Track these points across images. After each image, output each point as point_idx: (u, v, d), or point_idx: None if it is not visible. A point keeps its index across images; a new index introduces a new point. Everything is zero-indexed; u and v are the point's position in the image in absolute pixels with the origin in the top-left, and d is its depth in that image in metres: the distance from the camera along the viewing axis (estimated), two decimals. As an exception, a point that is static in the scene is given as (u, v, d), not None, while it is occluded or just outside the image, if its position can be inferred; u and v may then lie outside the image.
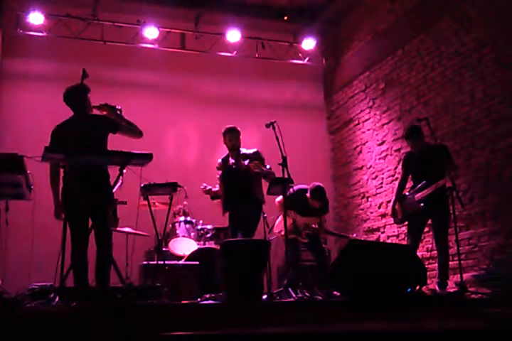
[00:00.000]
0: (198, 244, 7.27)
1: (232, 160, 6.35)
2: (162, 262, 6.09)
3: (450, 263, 6.58)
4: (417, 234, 6.22)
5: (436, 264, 6.15)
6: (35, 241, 6.04)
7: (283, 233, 5.78)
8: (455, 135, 7.46)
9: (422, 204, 6.09)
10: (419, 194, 6.12)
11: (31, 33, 8.98)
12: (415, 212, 6.16)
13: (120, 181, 5.12)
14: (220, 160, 6.48)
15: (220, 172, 6.42)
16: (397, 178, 7.65)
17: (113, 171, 5.11)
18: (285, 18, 9.99)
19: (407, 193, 6.37)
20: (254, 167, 6.07)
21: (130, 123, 5.32)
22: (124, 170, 5.03)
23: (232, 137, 6.34)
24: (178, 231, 7.41)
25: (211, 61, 9.71)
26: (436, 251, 6.10)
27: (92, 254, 5.06)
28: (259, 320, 3.93)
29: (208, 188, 6.40)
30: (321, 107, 10.74)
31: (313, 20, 10.29)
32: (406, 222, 6.48)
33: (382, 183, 8.96)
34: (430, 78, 8.05)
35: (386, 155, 8.92)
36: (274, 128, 5.79)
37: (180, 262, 6.82)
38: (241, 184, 6.20)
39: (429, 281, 5.78)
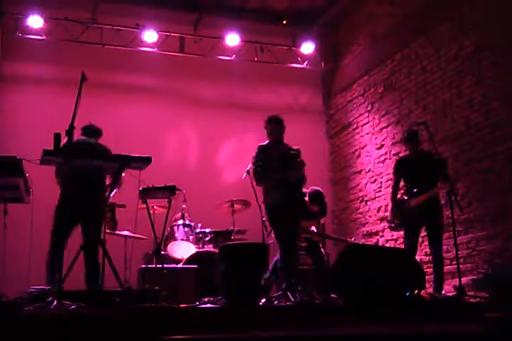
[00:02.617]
0: (196, 248, 7.26)
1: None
2: (161, 265, 6.08)
3: (449, 267, 6.60)
4: (413, 240, 6.26)
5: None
6: (33, 244, 6.03)
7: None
8: (454, 139, 7.46)
9: (417, 211, 6.14)
10: (415, 200, 6.15)
11: (30, 36, 8.99)
12: (412, 218, 6.18)
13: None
14: (261, 149, 5.91)
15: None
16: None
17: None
18: (284, 22, 10.01)
19: (403, 198, 6.40)
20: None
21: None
22: (123, 174, 5.06)
23: (277, 127, 5.99)
24: (176, 235, 7.40)
25: (210, 65, 9.72)
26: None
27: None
28: (257, 323, 3.92)
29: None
30: (319, 111, 10.74)
31: (312, 24, 10.33)
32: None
33: (380, 187, 8.96)
34: (429, 82, 8.05)
35: (385, 159, 8.92)
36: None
37: (179, 265, 6.81)
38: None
39: (427, 285, 5.78)
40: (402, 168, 6.49)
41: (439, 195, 6.27)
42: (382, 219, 8.79)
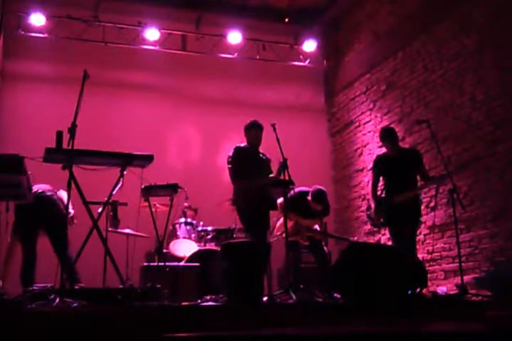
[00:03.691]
0: (198, 246, 7.26)
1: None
2: (162, 263, 6.09)
3: (451, 265, 6.60)
4: (401, 238, 6.24)
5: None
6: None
7: (284, 235, 5.78)
8: (456, 137, 7.46)
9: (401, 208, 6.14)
10: (399, 197, 6.12)
11: (33, 34, 8.99)
12: (397, 215, 6.15)
13: (120, 182, 5.15)
14: (237, 150, 6.19)
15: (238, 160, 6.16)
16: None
17: (114, 172, 5.13)
18: (286, 20, 10.01)
19: (381, 196, 6.40)
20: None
21: None
22: (125, 172, 5.06)
23: (260, 133, 6.20)
24: (178, 233, 7.41)
25: (212, 63, 9.72)
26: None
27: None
28: (259, 321, 3.93)
29: None
30: (321, 109, 10.74)
31: (314, 22, 10.31)
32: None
33: (383, 185, 8.93)
34: (431, 80, 8.05)
35: (387, 157, 8.90)
36: (274, 129, 5.80)
37: (181, 263, 6.81)
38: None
39: (429, 283, 5.78)
40: (380, 166, 6.45)
41: (420, 193, 6.35)
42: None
